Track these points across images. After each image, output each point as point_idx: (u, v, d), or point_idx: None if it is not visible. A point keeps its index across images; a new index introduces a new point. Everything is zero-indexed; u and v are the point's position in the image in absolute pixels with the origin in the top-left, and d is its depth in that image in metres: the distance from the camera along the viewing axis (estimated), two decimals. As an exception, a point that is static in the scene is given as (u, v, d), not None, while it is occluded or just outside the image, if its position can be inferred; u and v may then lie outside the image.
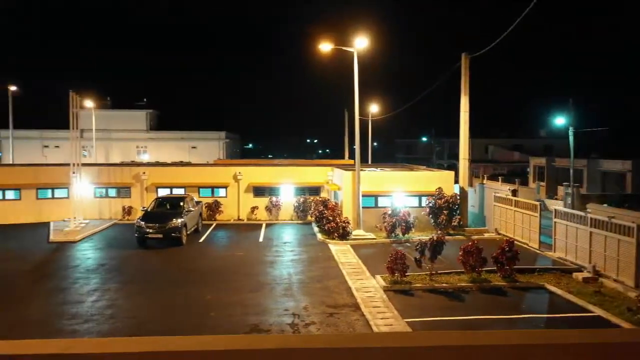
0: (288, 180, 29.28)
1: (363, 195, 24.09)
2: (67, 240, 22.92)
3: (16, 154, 42.52)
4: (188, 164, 38.14)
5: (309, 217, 28.10)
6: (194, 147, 50.96)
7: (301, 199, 28.67)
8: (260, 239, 23.73)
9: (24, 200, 28.12)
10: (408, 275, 15.45)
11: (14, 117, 41.05)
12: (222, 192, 29.34)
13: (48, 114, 49.81)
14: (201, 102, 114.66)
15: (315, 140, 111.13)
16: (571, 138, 30.23)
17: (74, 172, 26.87)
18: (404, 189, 25.26)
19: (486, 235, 23.80)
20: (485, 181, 34.63)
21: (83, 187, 27.62)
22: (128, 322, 12.87)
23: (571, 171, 30.88)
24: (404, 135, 74.67)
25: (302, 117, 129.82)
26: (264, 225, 27.22)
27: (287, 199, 29.01)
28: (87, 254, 20.65)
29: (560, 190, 34.31)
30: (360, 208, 23.83)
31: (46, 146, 49.33)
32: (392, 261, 15.33)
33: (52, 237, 23.51)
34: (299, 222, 28.18)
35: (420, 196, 25.21)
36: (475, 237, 21.24)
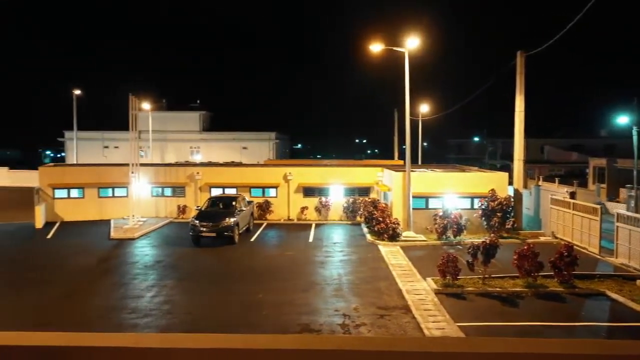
0: (337, 180, 29.39)
1: (413, 197, 23.86)
2: (126, 237, 23.95)
3: (79, 154, 44.77)
4: (239, 164, 38.98)
5: (358, 218, 28.11)
6: (245, 148, 51.98)
7: (350, 200, 28.71)
8: (310, 239, 23.95)
9: (87, 199, 29.61)
10: (460, 278, 15.21)
11: (77, 120, 43.21)
12: (272, 192, 29.80)
13: (110, 115, 52.14)
14: (252, 102, 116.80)
15: (364, 141, 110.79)
16: (635, 137, 28.75)
17: (132, 172, 28.05)
18: (455, 191, 24.82)
19: (542, 238, 23.03)
20: (541, 183, 33.50)
21: (141, 187, 28.76)
22: (184, 318, 13.33)
23: (634, 172, 29.37)
24: (455, 135, 73.28)
25: (351, 118, 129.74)
26: (313, 226, 27.45)
27: (337, 199, 29.13)
28: (144, 251, 21.52)
29: (623, 192, 32.71)
30: (411, 209, 23.62)
31: (106, 147, 51.70)
32: (444, 264, 15.13)
33: (112, 234, 24.64)
34: (348, 222, 28.23)
35: (472, 198, 24.69)
36: (531, 240, 20.61)
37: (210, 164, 37.24)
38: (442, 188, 24.99)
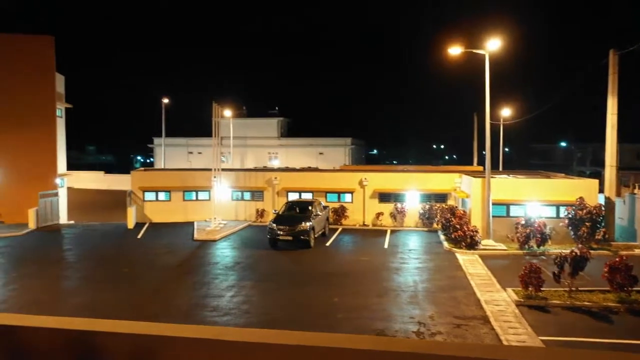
0: (413, 186, 29.01)
1: (493, 204, 23.03)
2: (208, 239, 25.07)
3: (166, 159, 47.48)
4: (316, 169, 39.55)
5: (434, 225, 27.57)
6: (321, 153, 52.65)
7: (427, 206, 28.22)
8: (385, 245, 23.81)
9: (173, 201, 31.34)
10: (543, 290, 14.48)
11: (165, 127, 45.89)
12: (348, 197, 29.96)
13: (194, 123, 54.85)
14: (329, 109, 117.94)
15: (442, 146, 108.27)
16: None
17: (215, 177, 29.34)
18: (539, 198, 23.66)
19: (637, 251, 21.37)
20: (636, 191, 31.06)
21: (222, 191, 30.01)
22: (262, 318, 13.75)
23: None
24: (539, 140, 69.68)
25: (429, 123, 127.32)
26: (388, 232, 27.26)
27: (413, 205, 28.74)
28: (225, 252, 22.42)
29: None
30: (490, 217, 22.81)
31: (190, 152, 54.42)
32: (526, 274, 14.48)
33: (196, 236, 25.88)
34: (424, 229, 27.75)
35: (557, 206, 23.43)
36: (624, 252, 19.18)
37: (287, 169, 38.10)
38: (524, 195, 23.91)
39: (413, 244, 24.25)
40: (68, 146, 37.46)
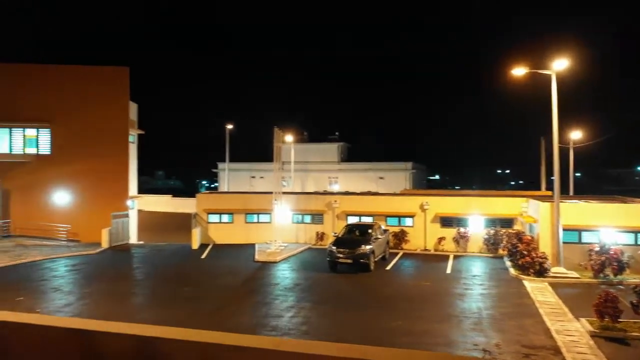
0: (477, 211, 28.16)
1: (563, 229, 21.89)
2: (269, 260, 25.40)
3: (230, 183, 48.90)
4: (376, 193, 39.32)
5: (500, 251, 26.54)
6: (381, 178, 52.35)
7: (491, 231, 27.25)
8: (448, 270, 23.14)
9: (235, 223, 32.12)
10: (621, 321, 13.50)
11: (229, 152, 47.44)
12: (408, 221, 29.50)
13: (256, 148, 56.37)
14: (389, 133, 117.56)
15: (507, 171, 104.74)
16: None
17: (275, 200, 29.85)
18: (614, 224, 22.26)
19: None
20: None
21: (283, 213, 30.44)
22: (321, 339, 13.63)
23: None
24: (613, 164, 65.98)
25: (493, 148, 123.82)
26: (451, 257, 26.50)
27: (476, 230, 27.86)
28: (285, 274, 22.59)
29: None
30: (560, 243, 21.67)
31: (253, 177, 55.74)
32: (601, 303, 13.57)
33: (257, 257, 26.29)
34: (489, 255, 26.75)
35: (636, 233, 21.94)
36: None
37: (347, 193, 38.14)
38: (597, 220, 22.58)
39: (477, 269, 23.41)
40: (139, 171, 39.45)
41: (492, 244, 27.01)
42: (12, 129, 33.27)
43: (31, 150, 33.44)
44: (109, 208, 31.64)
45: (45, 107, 32.91)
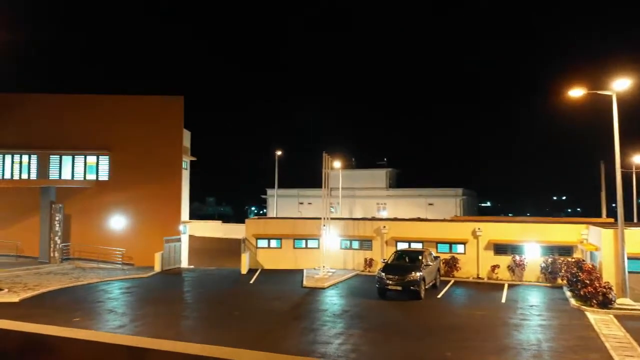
0: (533, 238, 27.00)
1: (629, 258, 20.58)
2: (317, 286, 25.18)
3: (278, 209, 49.31)
4: (425, 220, 38.52)
5: (558, 280, 25.24)
6: (431, 204, 51.40)
7: (549, 259, 26.01)
8: (503, 300, 22.15)
9: (283, 249, 32.19)
10: (700, 357, 12.39)
11: (278, 179, 48.02)
12: (460, 248, 28.63)
13: (304, 175, 56.82)
14: (438, 160, 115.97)
15: (564, 198, 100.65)
16: None
17: (324, 225, 29.75)
18: (686, 253, 20.74)
19: None
20: None
21: (331, 239, 30.26)
22: (370, 368, 13.24)
23: None
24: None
25: (548, 174, 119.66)
26: (506, 286, 25.40)
27: (533, 258, 26.67)
28: (333, 300, 22.28)
29: None
30: (626, 272, 20.35)
31: (301, 203, 56.04)
32: (675, 337, 12.53)
33: (305, 283, 26.13)
34: (547, 284, 25.48)
35: None
36: None
37: (396, 220, 37.58)
38: (667, 249, 21.11)
39: (534, 299, 22.29)
40: (191, 198, 40.46)
41: (549, 273, 25.75)
42: (75, 156, 35.02)
43: (91, 177, 35.00)
44: (162, 232, 32.48)
45: (105, 135, 34.52)
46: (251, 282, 27.44)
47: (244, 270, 30.54)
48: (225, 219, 59.50)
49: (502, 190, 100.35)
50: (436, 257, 25.89)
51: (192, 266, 35.55)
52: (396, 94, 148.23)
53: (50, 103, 35.19)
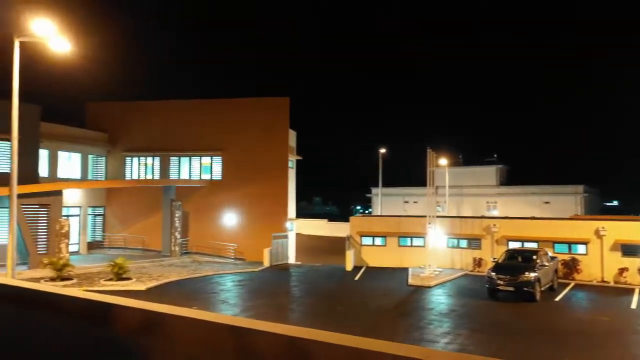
0: (669, 238, 24.08)
1: None
2: (422, 284, 24.61)
3: (382, 208, 49.00)
4: (541, 219, 36.03)
5: (702, 287, 22.25)
6: (547, 202, 47.97)
7: (690, 263, 23.03)
8: (633, 305, 20.03)
9: (388, 246, 31.92)
10: None
11: (382, 177, 47.73)
12: (580, 248, 26.37)
13: (409, 173, 55.94)
14: (553, 156, 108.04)
15: None
16: None
17: (429, 223, 29.02)
18: None
19: None
20: None
21: (437, 237, 29.42)
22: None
23: None
24: None
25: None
26: (636, 291, 22.95)
27: (669, 261, 23.78)
28: (440, 299, 21.63)
29: None
30: None
31: (406, 201, 55.20)
32: None
33: (410, 281, 25.67)
34: (688, 291, 22.58)
35: None
36: None
37: (506, 217, 35.60)
38: None
39: (671, 307, 19.88)
40: (298, 197, 41.58)
41: (691, 278, 22.80)
42: (192, 157, 37.65)
43: (206, 176, 37.37)
44: (270, 229, 33.75)
45: (218, 137, 36.67)
46: (356, 278, 27.55)
47: (348, 267, 30.74)
48: (331, 217, 60.42)
49: (632, 189, 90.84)
50: (553, 258, 24.08)
51: (299, 262, 36.54)
52: (502, 89, 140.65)
53: (170, 108, 38.15)
